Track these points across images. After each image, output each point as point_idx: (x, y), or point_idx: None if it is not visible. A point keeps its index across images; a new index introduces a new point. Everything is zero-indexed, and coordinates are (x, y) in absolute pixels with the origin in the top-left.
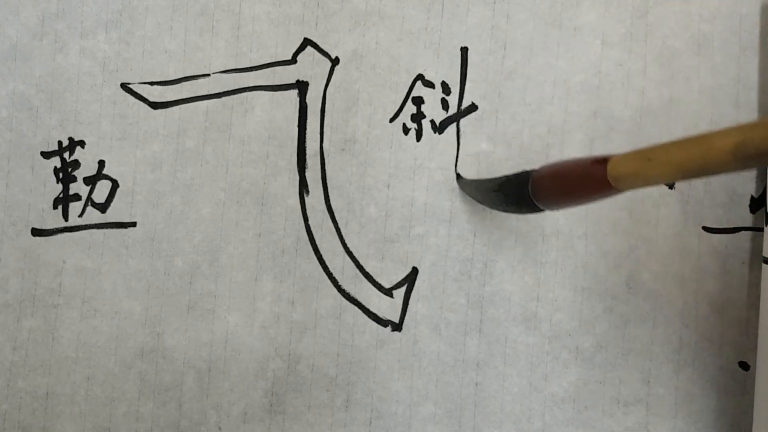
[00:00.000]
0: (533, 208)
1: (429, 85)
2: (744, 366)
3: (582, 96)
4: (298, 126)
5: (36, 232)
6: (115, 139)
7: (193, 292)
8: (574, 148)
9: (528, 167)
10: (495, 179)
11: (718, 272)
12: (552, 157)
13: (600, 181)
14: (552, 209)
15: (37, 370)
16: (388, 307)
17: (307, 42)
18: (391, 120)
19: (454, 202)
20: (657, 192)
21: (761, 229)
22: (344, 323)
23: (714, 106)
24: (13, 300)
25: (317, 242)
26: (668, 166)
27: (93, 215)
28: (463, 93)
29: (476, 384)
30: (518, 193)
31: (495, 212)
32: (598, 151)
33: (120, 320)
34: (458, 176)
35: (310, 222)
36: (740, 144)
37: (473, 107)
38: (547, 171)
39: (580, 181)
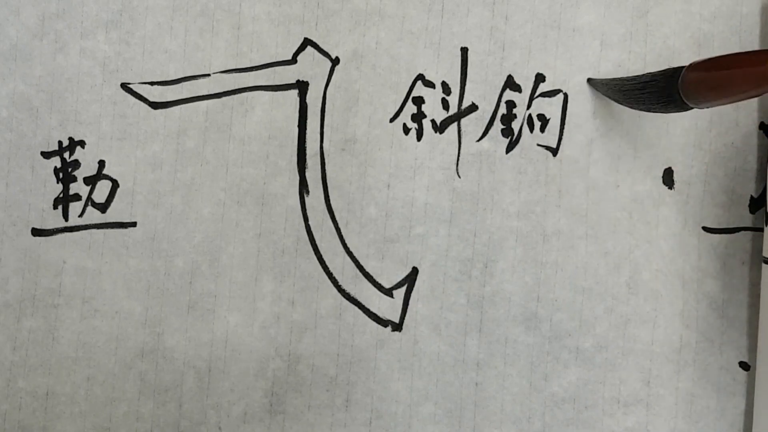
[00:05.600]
0: (681, 106)
1: (429, 85)
2: (744, 366)
3: (581, 97)
4: (298, 126)
5: (36, 232)
6: (115, 139)
7: (193, 292)
8: (573, 148)
9: (530, 167)
10: (639, 77)
11: (718, 272)
12: (551, 156)
13: (760, 76)
14: (702, 107)
15: (37, 370)
16: (388, 307)
17: (307, 42)
18: (392, 120)
19: (454, 202)
20: (657, 192)
21: (761, 229)
22: (344, 323)
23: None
24: (13, 300)
25: (317, 242)
26: None
27: (93, 215)
28: (463, 93)
29: (476, 384)
30: (666, 90)
31: (495, 212)
32: (598, 152)
33: (120, 320)
34: (590, 78)
35: (310, 222)
36: None
37: (474, 107)
38: (700, 68)
39: (738, 78)
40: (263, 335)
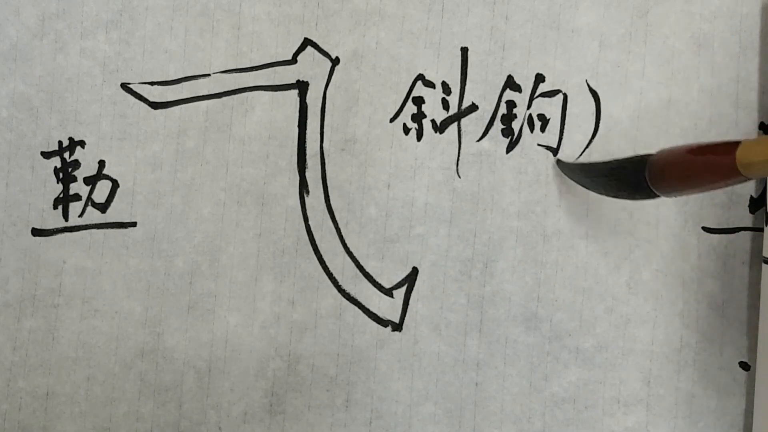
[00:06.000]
0: (649, 195)
1: (429, 85)
2: (744, 366)
3: (580, 97)
4: (298, 126)
5: (36, 232)
6: (116, 139)
7: (193, 292)
8: (573, 148)
9: (530, 167)
10: (605, 163)
11: (718, 272)
12: (551, 156)
13: (728, 167)
14: (671, 196)
15: (37, 370)
16: (388, 307)
17: (307, 42)
18: (392, 120)
19: (454, 202)
20: None
21: (761, 229)
22: (344, 323)
23: (714, 106)
24: (13, 300)
25: (317, 242)
26: None
27: (93, 215)
28: (463, 93)
29: (476, 384)
30: (634, 178)
31: (495, 212)
32: (598, 152)
33: (120, 320)
34: (558, 160)
35: (310, 222)
36: None
37: (474, 107)
38: (667, 157)
39: (706, 168)
40: (263, 335)
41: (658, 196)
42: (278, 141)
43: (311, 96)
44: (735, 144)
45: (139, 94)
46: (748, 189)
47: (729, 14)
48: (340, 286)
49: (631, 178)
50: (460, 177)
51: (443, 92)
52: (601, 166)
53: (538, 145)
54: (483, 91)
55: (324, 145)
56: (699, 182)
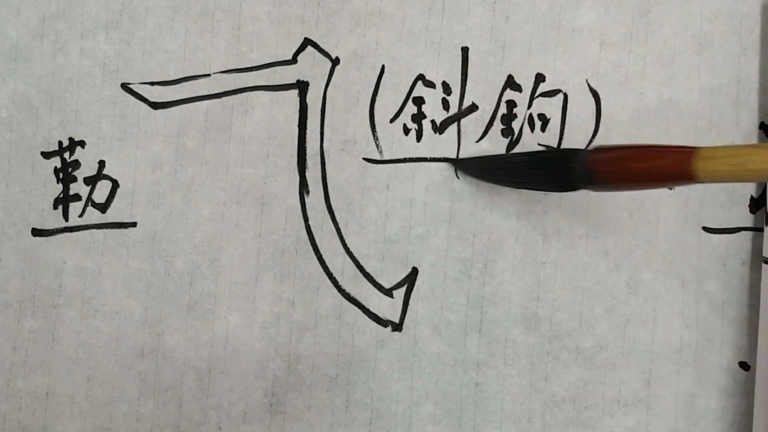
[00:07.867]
0: (573, 187)
1: (430, 85)
2: (744, 366)
3: (580, 97)
4: (299, 126)
5: (36, 232)
6: (116, 139)
7: (193, 292)
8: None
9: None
10: (528, 154)
11: (718, 272)
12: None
13: (684, 170)
14: (606, 191)
15: (37, 370)
16: (388, 307)
17: (307, 42)
18: (392, 120)
19: (454, 202)
20: (657, 192)
21: (761, 229)
22: (344, 323)
23: (714, 106)
24: (13, 300)
25: (317, 242)
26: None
27: (93, 215)
28: (464, 93)
29: (476, 384)
30: (561, 170)
31: (495, 212)
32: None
33: (120, 320)
34: (458, 160)
35: (310, 222)
36: None
37: (474, 107)
38: (615, 154)
39: (662, 168)
40: (263, 335)
41: (592, 189)
42: (278, 141)
43: (311, 96)
44: (692, 150)
45: (139, 94)
46: (748, 189)
47: (729, 14)
48: (340, 286)
49: (558, 169)
50: (459, 178)
51: (444, 92)
52: (523, 157)
53: (539, 144)
54: (483, 91)
55: (324, 145)
56: (649, 182)
